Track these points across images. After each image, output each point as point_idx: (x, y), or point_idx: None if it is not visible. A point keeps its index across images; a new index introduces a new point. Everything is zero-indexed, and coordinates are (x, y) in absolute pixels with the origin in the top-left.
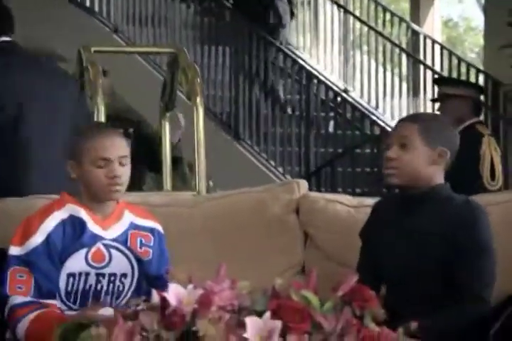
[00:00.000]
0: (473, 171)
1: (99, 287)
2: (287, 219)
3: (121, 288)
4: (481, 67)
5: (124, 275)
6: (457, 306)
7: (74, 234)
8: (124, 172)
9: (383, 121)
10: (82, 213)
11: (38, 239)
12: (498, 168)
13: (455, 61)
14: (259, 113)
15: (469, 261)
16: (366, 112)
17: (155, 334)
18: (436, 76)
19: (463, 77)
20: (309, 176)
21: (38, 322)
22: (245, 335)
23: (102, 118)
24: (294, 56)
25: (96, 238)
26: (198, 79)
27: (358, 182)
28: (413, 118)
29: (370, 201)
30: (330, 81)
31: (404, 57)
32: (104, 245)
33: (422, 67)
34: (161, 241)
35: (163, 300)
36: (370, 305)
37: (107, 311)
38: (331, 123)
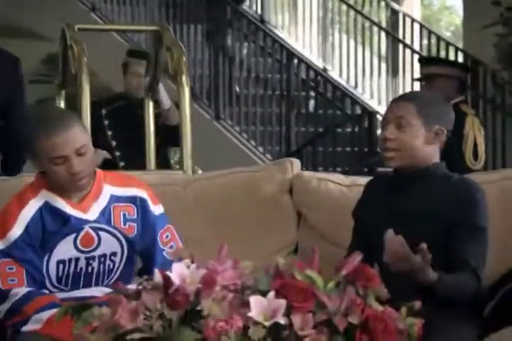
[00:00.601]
0: (457, 151)
1: (89, 269)
2: (280, 198)
3: (111, 266)
4: (460, 46)
5: (114, 253)
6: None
7: (55, 221)
8: (85, 162)
9: (362, 101)
10: (58, 200)
11: (17, 231)
12: (481, 147)
13: (434, 41)
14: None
15: (463, 241)
16: (346, 91)
17: (158, 314)
18: (415, 55)
19: (442, 56)
20: (290, 156)
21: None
22: (250, 314)
23: (87, 97)
24: (273, 35)
25: (81, 222)
26: (184, 58)
27: (339, 161)
28: (409, 97)
29: (363, 180)
30: (309, 60)
31: (383, 35)
32: (92, 228)
33: (401, 46)
34: (145, 208)
35: (167, 279)
36: (373, 284)
37: (99, 291)
38: (311, 102)
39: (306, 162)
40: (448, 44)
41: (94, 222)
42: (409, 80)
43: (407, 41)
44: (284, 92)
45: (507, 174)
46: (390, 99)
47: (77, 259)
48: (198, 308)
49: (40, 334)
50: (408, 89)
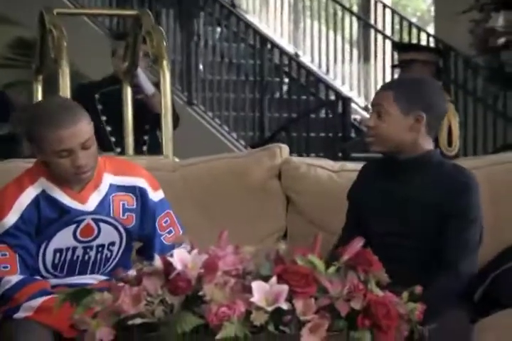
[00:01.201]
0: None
1: (86, 258)
2: (269, 184)
3: (109, 256)
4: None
5: (112, 243)
6: (438, 283)
7: (52, 210)
8: (90, 155)
9: (334, 86)
10: (56, 190)
11: (11, 218)
12: (456, 133)
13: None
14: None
15: (455, 231)
16: (320, 77)
17: (160, 299)
18: (387, 40)
19: (414, 42)
20: (264, 141)
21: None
22: (252, 299)
23: (67, 82)
24: (245, 20)
25: (80, 213)
26: (165, 42)
27: (313, 146)
28: (388, 86)
29: (352, 165)
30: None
31: (355, 21)
32: (93, 220)
33: (372, 31)
34: (145, 198)
35: (168, 264)
36: (374, 269)
37: (94, 278)
38: (285, 88)
39: None
40: (420, 29)
41: (93, 212)
42: (381, 66)
43: (379, 26)
44: (257, 78)
45: (493, 160)
46: (362, 85)
47: (74, 248)
48: (200, 293)
49: (32, 320)
50: (380, 75)
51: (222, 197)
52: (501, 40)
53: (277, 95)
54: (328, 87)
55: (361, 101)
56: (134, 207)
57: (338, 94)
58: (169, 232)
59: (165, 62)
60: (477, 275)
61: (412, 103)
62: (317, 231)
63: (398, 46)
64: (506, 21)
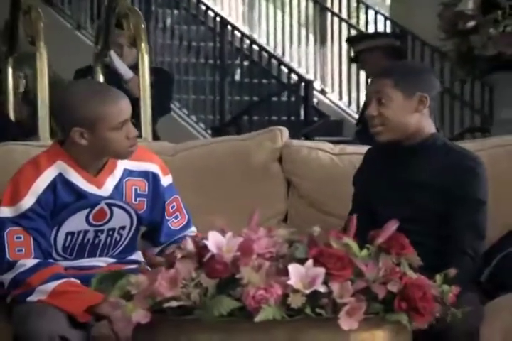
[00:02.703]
0: None
1: (96, 241)
2: (270, 167)
3: (118, 239)
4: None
5: (123, 227)
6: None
7: (68, 194)
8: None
9: (296, 70)
10: (73, 174)
11: (28, 201)
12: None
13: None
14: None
15: (464, 214)
16: (282, 60)
17: (196, 282)
18: (343, 23)
19: (371, 25)
20: (225, 125)
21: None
22: (289, 282)
23: (44, 62)
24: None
25: (96, 198)
26: (143, 25)
27: None
28: (386, 72)
29: (352, 148)
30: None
31: (311, 4)
32: (107, 204)
33: (329, 14)
34: (157, 184)
35: (201, 247)
36: (407, 252)
37: (103, 261)
38: (245, 71)
39: (243, 131)
40: (376, 12)
41: (109, 197)
42: (338, 49)
43: (335, 10)
44: (217, 61)
45: (494, 142)
46: (318, 68)
47: (86, 231)
48: (237, 276)
49: (46, 304)
50: (336, 58)
51: (223, 180)
52: (471, 24)
53: (238, 78)
54: (291, 71)
55: (317, 84)
56: (146, 192)
57: (301, 78)
58: (176, 217)
59: (143, 45)
60: (482, 257)
61: (413, 85)
62: (318, 214)
63: (350, 40)
64: (476, 4)
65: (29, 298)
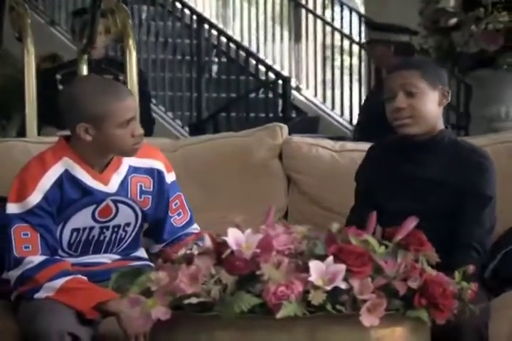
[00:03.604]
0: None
1: (101, 237)
2: (271, 163)
3: (123, 236)
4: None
5: (128, 224)
6: (464, 262)
7: (74, 191)
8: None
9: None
10: (79, 170)
11: (36, 197)
12: None
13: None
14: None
15: (472, 209)
16: (259, 57)
17: (216, 279)
18: (318, 21)
19: (346, 21)
20: (203, 121)
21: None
22: (310, 279)
23: (32, 59)
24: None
25: (103, 195)
26: (130, 21)
27: (253, 127)
28: (411, 64)
29: (352, 145)
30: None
31: (285, 1)
32: (113, 201)
33: (303, 11)
34: (161, 181)
35: (220, 244)
36: (425, 249)
37: (108, 257)
38: (222, 67)
39: (220, 128)
40: (351, 10)
41: (115, 194)
42: (313, 45)
43: (310, 6)
44: (194, 57)
45: (495, 139)
46: (293, 65)
47: (91, 228)
48: (258, 273)
49: (55, 301)
50: (311, 55)
51: (224, 177)
52: (453, 21)
53: (215, 75)
54: (268, 68)
55: (292, 81)
56: (151, 189)
57: (279, 74)
58: (178, 214)
59: (131, 41)
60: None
61: (436, 79)
62: (318, 211)
63: (370, 25)
64: (458, 2)
65: (36, 295)
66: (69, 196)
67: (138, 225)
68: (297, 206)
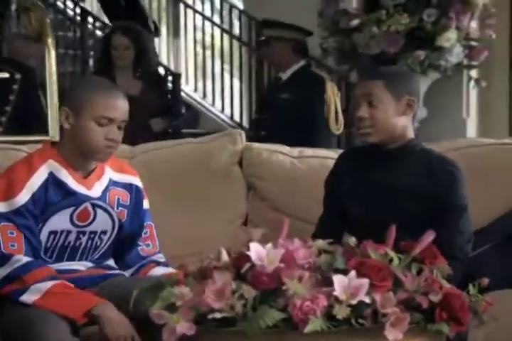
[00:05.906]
0: (320, 116)
1: (77, 243)
2: (231, 170)
3: (98, 244)
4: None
5: (104, 232)
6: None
7: (58, 193)
8: (120, 136)
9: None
10: (63, 173)
11: (23, 198)
12: (340, 112)
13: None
14: None
15: (450, 220)
16: None
17: (239, 294)
18: (198, 16)
19: (226, 17)
20: None
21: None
22: (335, 293)
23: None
24: None
25: (85, 198)
26: (48, 20)
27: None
28: (376, 75)
29: (310, 152)
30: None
31: None
32: (92, 204)
33: (182, 6)
34: (138, 197)
35: (239, 258)
36: (439, 262)
37: (83, 265)
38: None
39: None
40: (231, 6)
41: (96, 199)
42: (192, 40)
43: (189, 2)
44: (78, 51)
45: (448, 146)
46: (172, 60)
47: (68, 232)
48: (284, 288)
49: (35, 308)
50: (190, 51)
51: (183, 183)
52: (354, 22)
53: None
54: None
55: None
56: (127, 203)
57: (168, 70)
58: (147, 245)
59: (50, 40)
60: None
61: (401, 89)
62: (279, 217)
63: (264, 23)
64: (359, 4)
65: (23, 297)
66: (51, 198)
67: (113, 235)
68: (257, 212)
